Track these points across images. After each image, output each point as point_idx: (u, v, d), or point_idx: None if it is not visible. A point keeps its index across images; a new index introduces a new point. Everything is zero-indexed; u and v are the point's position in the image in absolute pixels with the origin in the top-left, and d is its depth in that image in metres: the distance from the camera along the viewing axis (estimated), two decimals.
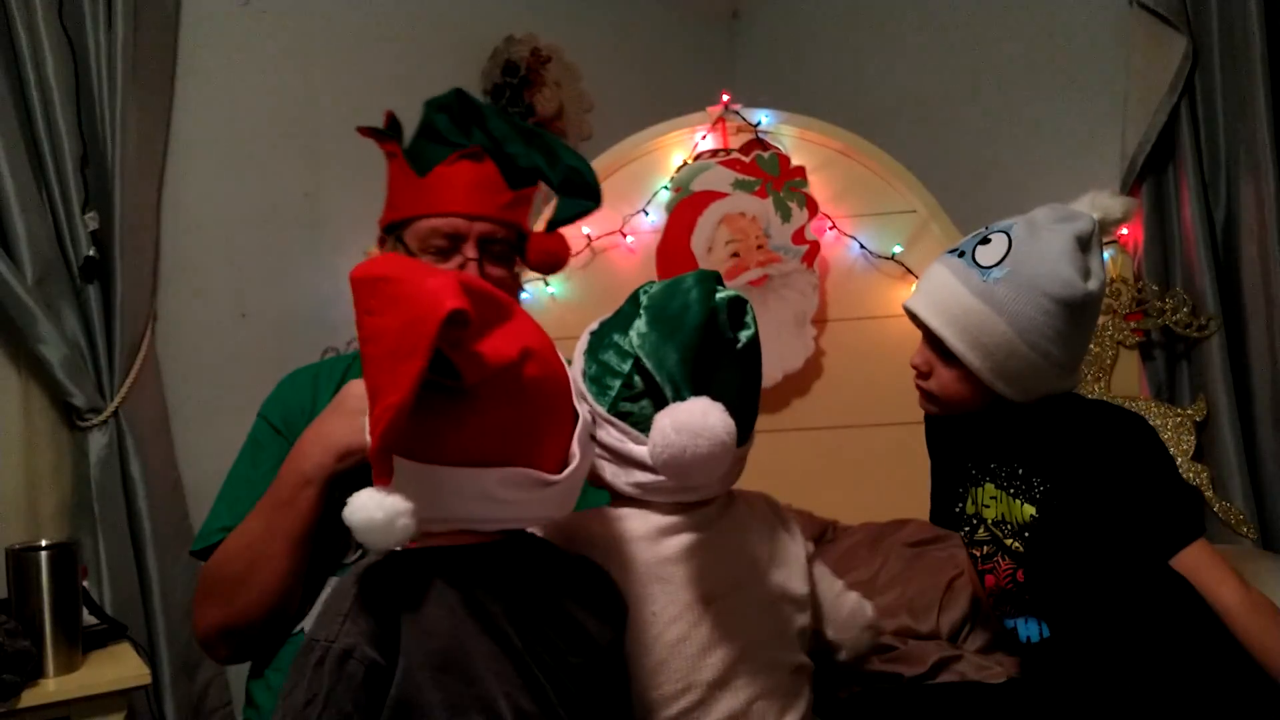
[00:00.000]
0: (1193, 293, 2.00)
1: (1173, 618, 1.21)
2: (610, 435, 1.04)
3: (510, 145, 1.36)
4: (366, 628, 0.82)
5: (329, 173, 2.33)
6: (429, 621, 0.84)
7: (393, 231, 1.41)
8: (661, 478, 1.01)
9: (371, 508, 0.79)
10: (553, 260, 1.38)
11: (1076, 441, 1.26)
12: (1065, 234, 1.23)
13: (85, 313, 1.94)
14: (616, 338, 1.06)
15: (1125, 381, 2.07)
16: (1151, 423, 1.95)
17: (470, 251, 1.33)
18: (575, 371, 1.07)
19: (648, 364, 1.01)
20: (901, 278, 2.15)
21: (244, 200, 2.22)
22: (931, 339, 1.29)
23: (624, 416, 1.03)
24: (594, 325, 1.11)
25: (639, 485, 1.03)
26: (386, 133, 1.43)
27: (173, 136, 2.14)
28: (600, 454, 1.05)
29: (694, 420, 0.95)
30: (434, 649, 0.84)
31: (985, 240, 1.27)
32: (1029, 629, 1.32)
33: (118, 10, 1.93)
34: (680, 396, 0.99)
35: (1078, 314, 1.22)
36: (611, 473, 1.05)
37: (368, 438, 0.80)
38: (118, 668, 1.65)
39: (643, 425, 1.02)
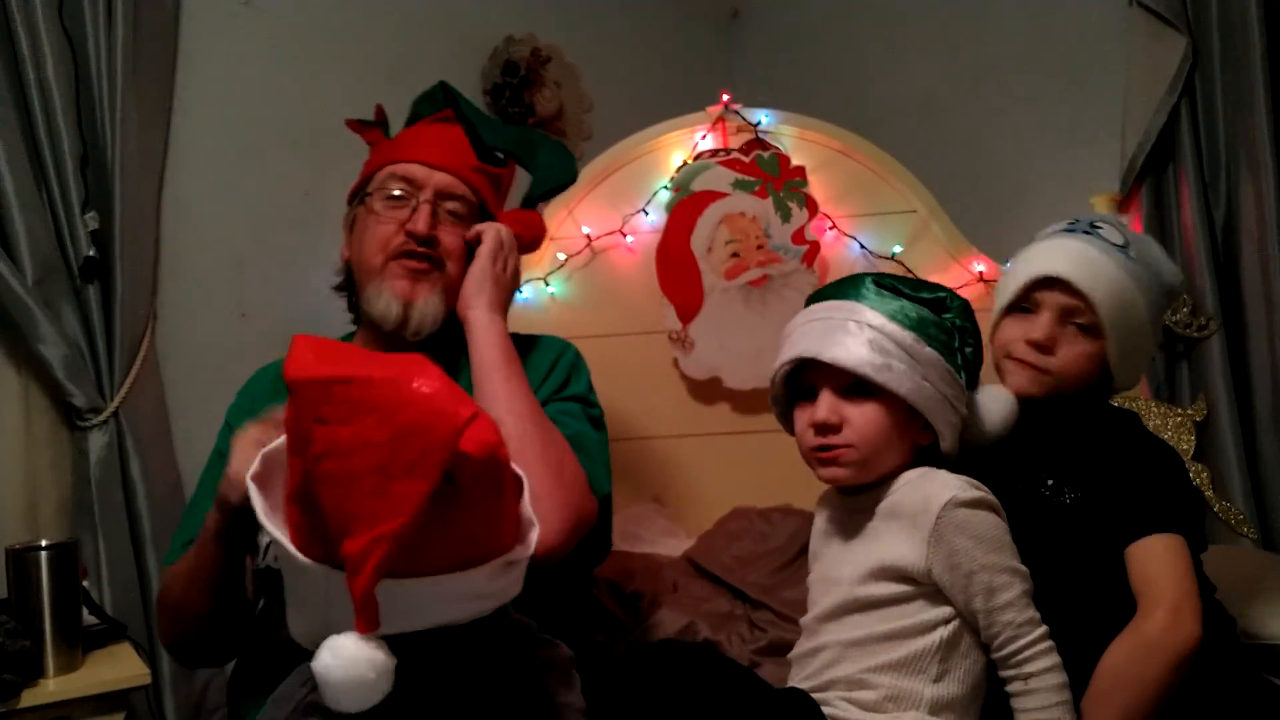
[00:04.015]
0: (1193, 293, 1.99)
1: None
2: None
3: (481, 127, 1.38)
4: None
5: (329, 172, 2.29)
6: None
7: (356, 195, 1.39)
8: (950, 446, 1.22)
9: (364, 665, 0.68)
10: (527, 233, 1.36)
11: (1111, 453, 1.24)
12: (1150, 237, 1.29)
13: (85, 313, 1.94)
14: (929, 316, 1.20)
15: None
16: (1151, 423, 1.96)
17: (425, 197, 1.30)
18: (908, 346, 1.16)
19: (969, 350, 1.20)
20: None
21: (244, 200, 2.22)
22: (1065, 313, 1.24)
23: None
24: (878, 291, 1.21)
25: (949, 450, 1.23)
26: (374, 123, 1.44)
27: (173, 136, 2.13)
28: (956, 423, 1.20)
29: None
30: None
31: (1095, 225, 1.27)
32: None
33: (118, 10, 1.93)
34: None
35: (1168, 305, 1.28)
36: (952, 441, 1.20)
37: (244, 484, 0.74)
38: (118, 668, 1.65)
39: None
